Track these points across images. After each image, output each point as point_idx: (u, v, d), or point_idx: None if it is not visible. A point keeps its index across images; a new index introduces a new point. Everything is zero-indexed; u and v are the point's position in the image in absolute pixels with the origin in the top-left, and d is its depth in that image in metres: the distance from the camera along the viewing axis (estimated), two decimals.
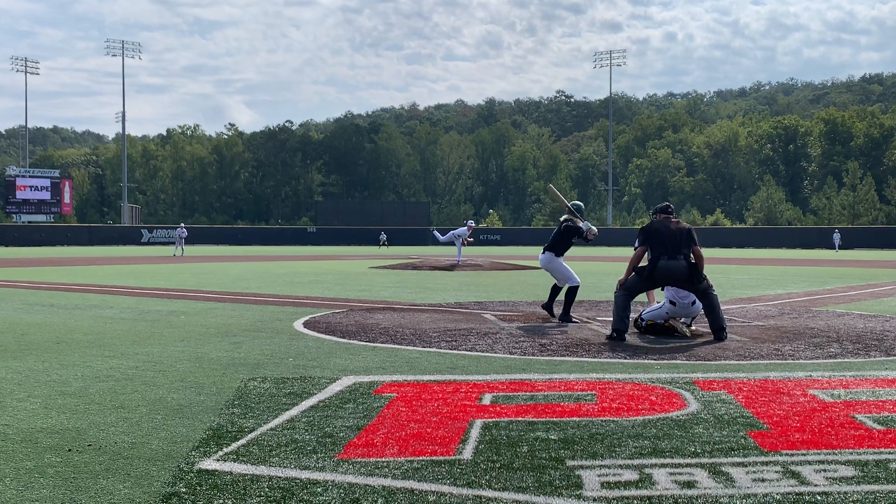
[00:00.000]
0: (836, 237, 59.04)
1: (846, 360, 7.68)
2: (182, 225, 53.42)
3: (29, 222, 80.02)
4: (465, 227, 29.04)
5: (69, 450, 4.48)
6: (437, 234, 32.04)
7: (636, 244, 9.64)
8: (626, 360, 7.59)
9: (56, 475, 4.03)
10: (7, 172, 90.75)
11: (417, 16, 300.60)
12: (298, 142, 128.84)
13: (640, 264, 9.53)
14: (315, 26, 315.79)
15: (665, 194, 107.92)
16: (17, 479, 3.95)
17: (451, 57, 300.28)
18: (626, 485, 3.88)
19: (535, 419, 5.18)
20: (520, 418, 5.20)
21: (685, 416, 5.30)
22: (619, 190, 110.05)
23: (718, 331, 9.04)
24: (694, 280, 9.22)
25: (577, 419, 5.18)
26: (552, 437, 4.74)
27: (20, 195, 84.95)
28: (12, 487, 3.83)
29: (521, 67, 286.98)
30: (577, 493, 3.76)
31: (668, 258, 9.21)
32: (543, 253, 11.40)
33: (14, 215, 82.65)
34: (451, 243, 30.06)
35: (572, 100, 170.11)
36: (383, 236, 71.61)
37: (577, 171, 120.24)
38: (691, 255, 9.26)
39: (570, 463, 4.22)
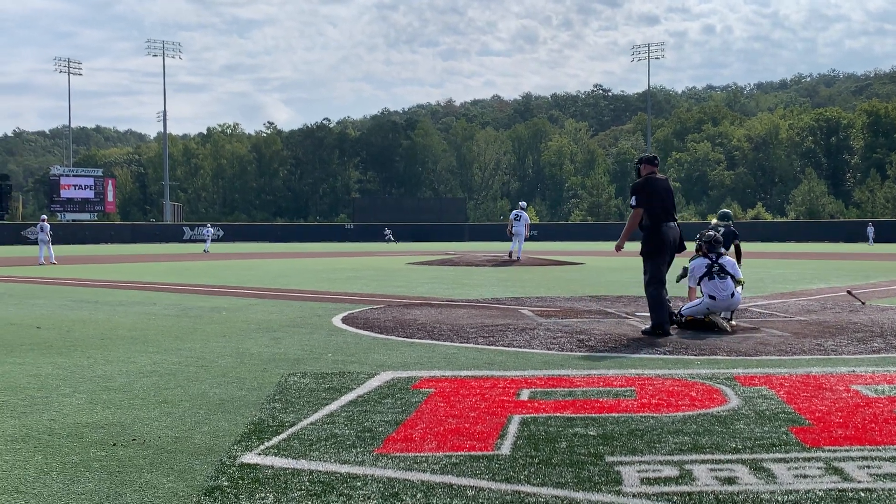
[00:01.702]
0: (871, 231, 57.97)
1: (890, 355, 7.55)
2: (209, 224, 54.05)
3: (73, 221, 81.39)
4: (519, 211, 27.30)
5: (114, 444, 4.56)
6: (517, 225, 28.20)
7: (633, 202, 8.95)
8: (665, 356, 7.54)
9: (101, 469, 4.11)
10: (52, 172, 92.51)
11: (452, 11, 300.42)
12: (336, 139, 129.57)
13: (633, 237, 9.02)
14: (351, 23, 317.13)
15: (705, 188, 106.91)
16: (63, 473, 4.04)
17: (487, 52, 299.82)
18: (666, 481, 3.86)
19: (573, 415, 5.17)
20: (558, 414, 5.20)
21: (726, 411, 5.25)
22: None
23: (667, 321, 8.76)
24: (679, 249, 8.96)
25: (617, 415, 5.16)
26: (591, 432, 4.73)
27: (64, 194, 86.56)
28: (59, 481, 3.92)
29: (557, 62, 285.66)
30: (617, 488, 3.75)
31: (668, 223, 8.79)
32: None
33: (59, 214, 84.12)
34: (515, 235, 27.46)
35: (610, 94, 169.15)
36: (388, 233, 71.64)
37: (615, 166, 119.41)
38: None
39: (609, 459, 4.21)
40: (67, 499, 3.66)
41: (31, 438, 4.69)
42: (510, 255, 27.06)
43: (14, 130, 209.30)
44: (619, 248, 9.45)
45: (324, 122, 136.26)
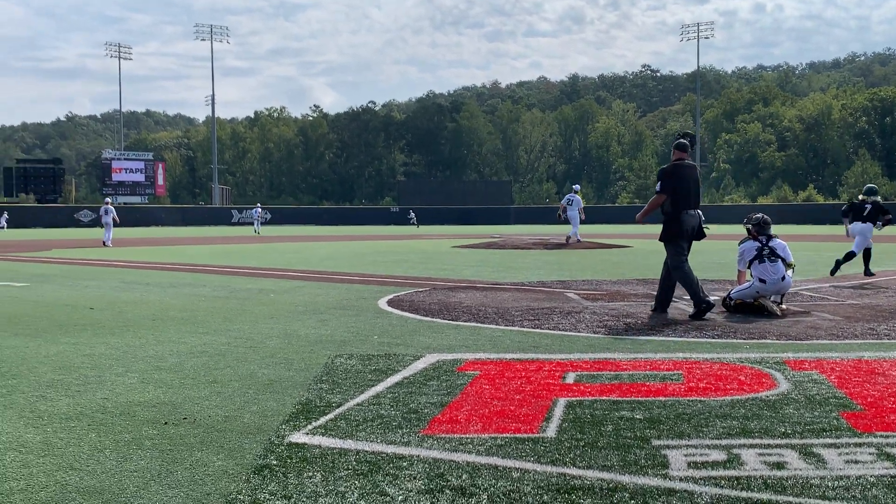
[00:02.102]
0: None
1: None
2: (258, 205, 54.49)
3: (125, 204, 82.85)
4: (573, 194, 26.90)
5: (165, 423, 4.65)
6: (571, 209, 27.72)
7: (658, 188, 9.20)
8: (713, 340, 7.46)
9: (153, 447, 4.19)
10: (104, 156, 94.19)
11: None
12: (381, 122, 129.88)
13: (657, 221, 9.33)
14: (396, 6, 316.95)
15: (755, 169, 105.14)
16: (116, 451, 4.13)
17: (533, 33, 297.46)
18: (714, 465, 3.83)
19: (619, 398, 5.15)
20: (604, 397, 5.18)
21: (775, 396, 5.19)
22: (707, 166, 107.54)
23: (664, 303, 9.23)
24: (699, 236, 9.25)
25: (663, 399, 5.13)
26: (637, 416, 4.71)
27: (116, 177, 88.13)
28: (112, 459, 4.01)
29: (604, 42, 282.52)
30: (663, 472, 3.73)
31: (688, 211, 9.06)
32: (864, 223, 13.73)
33: (111, 197, 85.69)
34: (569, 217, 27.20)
35: (658, 74, 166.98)
36: (412, 216, 71.55)
37: (664, 147, 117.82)
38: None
39: (655, 442, 4.19)
40: (120, 476, 3.74)
41: (85, 417, 4.80)
42: (567, 240, 26.84)
43: (67, 115, 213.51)
44: (637, 219, 9.84)
45: (369, 105, 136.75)
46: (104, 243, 29.97)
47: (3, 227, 60.01)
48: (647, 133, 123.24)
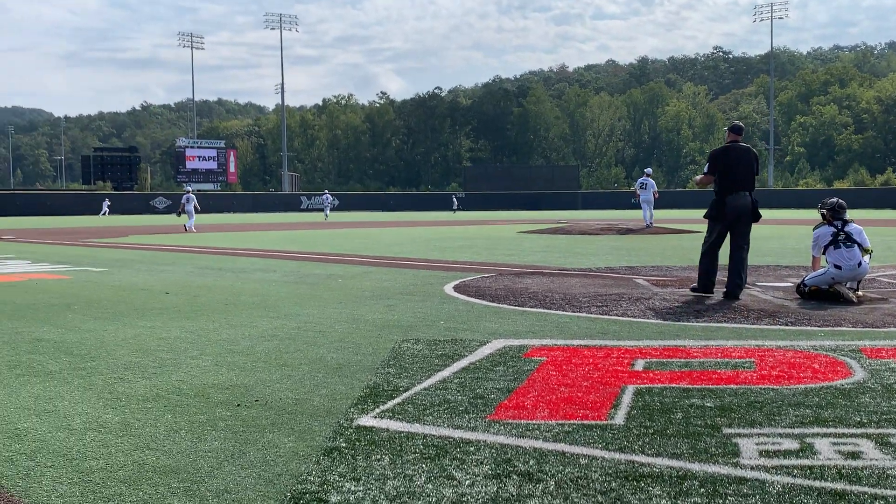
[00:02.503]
0: None
1: None
2: (327, 191, 55.17)
3: (198, 191, 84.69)
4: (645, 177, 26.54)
5: (238, 405, 4.76)
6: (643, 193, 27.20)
7: (706, 169, 9.57)
8: (787, 327, 7.30)
9: (226, 428, 4.29)
10: (177, 144, 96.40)
11: None
12: (447, 108, 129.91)
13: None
14: None
15: (831, 153, 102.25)
16: (191, 432, 4.24)
17: (601, 16, 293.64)
18: (786, 454, 3.76)
19: (689, 386, 5.08)
20: (674, 385, 5.11)
21: (850, 384, 5.05)
22: (780, 149, 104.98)
23: (734, 287, 9.09)
24: (755, 216, 9.30)
25: (735, 387, 5.04)
26: (708, 404, 4.64)
27: (189, 165, 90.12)
28: (187, 439, 4.12)
29: (674, 24, 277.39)
30: (734, 461, 3.67)
31: (735, 193, 9.19)
32: None
33: (184, 184, 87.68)
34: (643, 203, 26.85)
35: (730, 56, 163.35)
36: (456, 203, 71.22)
37: None
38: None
39: (726, 431, 4.12)
40: (195, 456, 3.84)
41: (161, 398, 4.93)
42: (648, 225, 26.50)
43: (142, 104, 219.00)
44: (698, 182, 9.84)
45: (435, 91, 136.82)
46: (186, 229, 30.86)
47: (105, 213, 62.20)
48: (718, 116, 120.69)
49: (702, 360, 5.90)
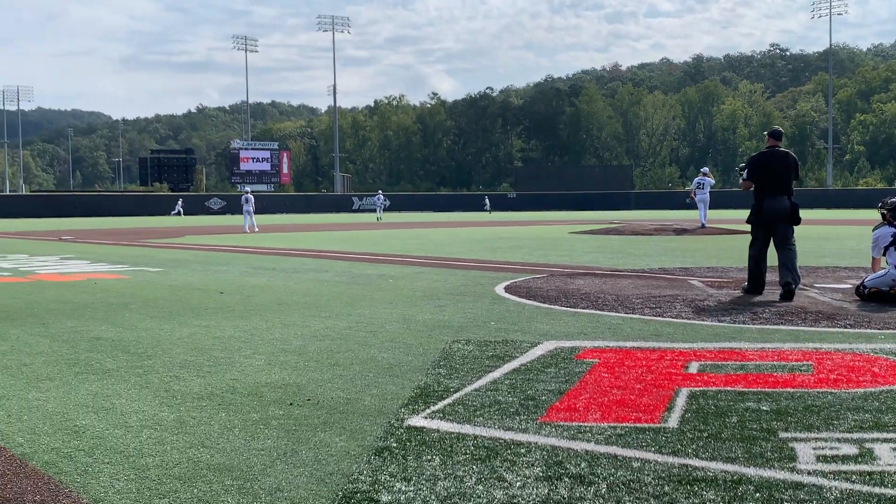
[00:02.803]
0: None
1: None
2: (380, 192, 55.65)
3: (252, 192, 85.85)
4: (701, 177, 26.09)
5: (290, 403, 4.80)
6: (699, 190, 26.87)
7: (744, 175, 9.79)
8: (846, 330, 7.13)
9: (279, 427, 4.33)
10: (232, 146, 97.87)
11: None
12: (499, 108, 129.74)
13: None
14: None
15: (892, 152, 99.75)
16: (244, 430, 4.29)
17: (655, 13, 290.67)
18: (845, 459, 3.67)
19: (745, 389, 4.99)
20: (729, 388, 5.03)
21: None
22: (839, 148, 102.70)
23: (785, 285, 9.01)
24: (793, 220, 9.37)
25: (792, 390, 4.94)
26: (764, 407, 4.55)
27: (244, 166, 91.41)
28: (241, 437, 4.17)
29: (729, 21, 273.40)
30: (791, 465, 3.60)
31: (772, 197, 9.33)
32: None
33: (238, 185, 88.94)
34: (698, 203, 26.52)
35: (787, 53, 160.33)
36: (487, 202, 70.92)
37: (794, 129, 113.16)
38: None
39: (782, 435, 4.04)
40: (248, 454, 3.89)
41: (216, 396, 5.00)
42: (702, 226, 26.14)
43: (197, 107, 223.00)
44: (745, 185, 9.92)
45: (487, 91, 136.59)
46: (246, 229, 31.36)
47: (179, 214, 63.76)
48: (775, 114, 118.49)
49: (758, 362, 5.79)
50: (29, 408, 4.80)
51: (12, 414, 4.67)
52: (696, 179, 27.27)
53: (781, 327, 7.31)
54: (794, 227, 9.49)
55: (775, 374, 5.41)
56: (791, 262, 9.14)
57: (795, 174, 9.52)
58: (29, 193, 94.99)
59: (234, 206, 70.77)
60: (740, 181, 10.05)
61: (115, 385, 5.35)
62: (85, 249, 21.12)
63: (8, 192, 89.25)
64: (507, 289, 10.46)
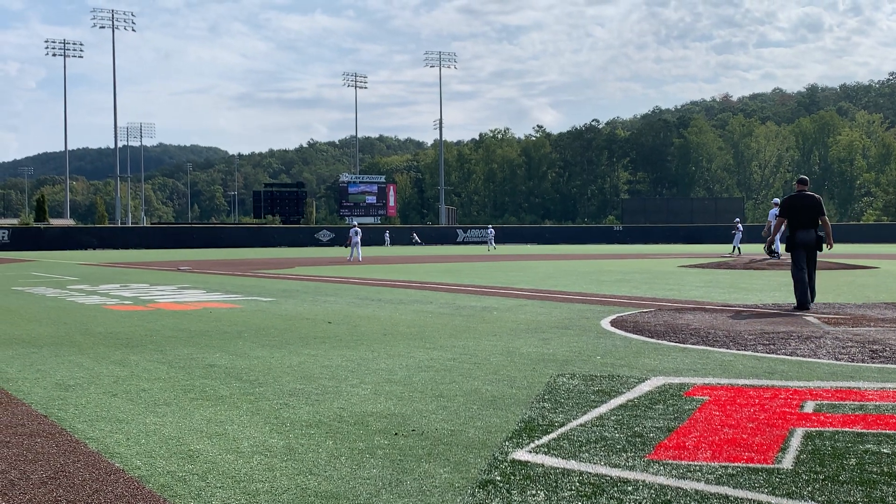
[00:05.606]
0: None
1: None
2: (490, 226, 56.07)
3: (359, 224, 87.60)
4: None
5: (396, 434, 4.84)
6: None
7: (778, 212, 12.63)
8: None
9: (384, 457, 4.38)
10: (341, 179, 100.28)
11: (727, 3, 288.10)
12: (604, 140, 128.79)
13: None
14: (619, 23, 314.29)
15: None
16: (350, 459, 4.35)
17: (765, 43, 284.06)
18: None
19: (864, 430, 4.76)
20: (847, 429, 4.81)
21: None
22: None
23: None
24: (819, 247, 11.87)
25: None
26: (885, 450, 4.34)
27: (352, 199, 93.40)
28: (347, 466, 4.22)
29: (844, 50, 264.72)
30: None
31: (804, 230, 11.80)
32: None
33: (346, 218, 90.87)
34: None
35: None
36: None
37: None
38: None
39: None
40: (354, 483, 3.94)
41: (323, 424, 5.09)
42: (777, 256, 25.34)
43: (308, 141, 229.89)
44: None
45: (592, 123, 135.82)
46: (350, 260, 32.77)
47: (388, 244, 67.39)
48: (895, 145, 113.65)
49: (878, 402, 5.53)
50: (146, 432, 4.99)
51: (131, 437, 4.86)
52: (771, 212, 25.96)
53: None
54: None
55: None
56: (813, 281, 11.89)
57: (821, 211, 11.80)
58: (149, 225, 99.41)
59: (342, 238, 72.32)
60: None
61: (227, 411, 5.51)
62: (201, 279, 21.92)
63: (130, 224, 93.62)
64: (613, 323, 10.31)
